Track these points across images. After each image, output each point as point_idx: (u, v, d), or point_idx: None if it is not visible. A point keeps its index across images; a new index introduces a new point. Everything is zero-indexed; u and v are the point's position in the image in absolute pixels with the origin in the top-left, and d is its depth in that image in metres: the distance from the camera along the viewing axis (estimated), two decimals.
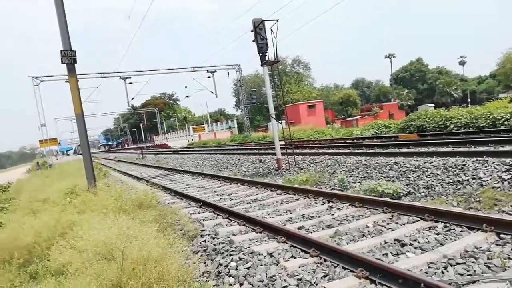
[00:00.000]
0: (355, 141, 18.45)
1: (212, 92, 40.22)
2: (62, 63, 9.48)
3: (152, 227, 4.92)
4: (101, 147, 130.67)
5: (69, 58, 9.48)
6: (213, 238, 5.70)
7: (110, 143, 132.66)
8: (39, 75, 33.36)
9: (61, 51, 9.41)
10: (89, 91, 44.26)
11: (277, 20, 11.98)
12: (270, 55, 13.17)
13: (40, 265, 4.77)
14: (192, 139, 58.70)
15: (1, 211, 10.02)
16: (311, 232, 5.57)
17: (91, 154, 10.41)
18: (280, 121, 14.31)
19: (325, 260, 4.34)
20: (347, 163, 10.71)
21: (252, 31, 12.75)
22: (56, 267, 4.27)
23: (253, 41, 12.81)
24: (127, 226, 4.55)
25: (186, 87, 77.51)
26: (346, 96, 63.43)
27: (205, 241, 5.65)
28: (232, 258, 4.69)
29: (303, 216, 6.57)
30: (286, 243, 5.11)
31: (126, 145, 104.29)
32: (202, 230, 6.17)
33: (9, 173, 52.00)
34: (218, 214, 7.51)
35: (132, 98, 39.03)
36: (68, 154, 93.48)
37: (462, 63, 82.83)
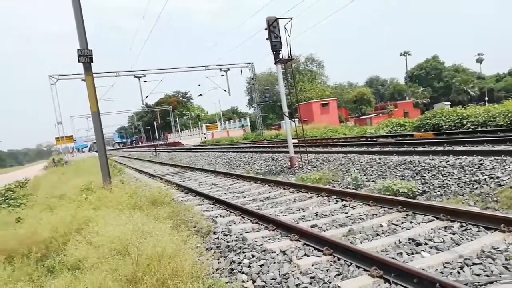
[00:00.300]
0: (369, 139, 18.31)
1: (225, 91, 40.51)
2: (78, 61, 9.66)
3: (166, 224, 4.99)
4: (115, 144, 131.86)
5: (85, 57, 9.66)
6: (226, 236, 5.71)
7: (124, 140, 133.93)
8: (55, 74, 34.01)
9: (78, 50, 9.59)
10: (104, 89, 44.92)
11: (291, 18, 11.93)
12: (284, 53, 13.12)
13: (57, 259, 4.89)
14: (205, 137, 58.91)
15: (19, 206, 10.28)
16: (324, 231, 5.55)
17: (106, 151, 10.55)
18: (293, 119, 14.27)
19: (339, 259, 4.32)
20: (361, 162, 10.61)
21: (266, 29, 12.73)
22: (73, 262, 4.36)
23: (267, 39, 12.80)
24: (142, 222, 4.61)
25: (199, 85, 77.75)
26: (360, 94, 62.94)
27: (218, 238, 5.67)
28: (245, 256, 4.69)
29: (316, 215, 6.55)
30: (299, 241, 5.10)
31: (140, 143, 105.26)
32: (215, 227, 6.18)
33: (27, 169, 52.98)
34: (231, 212, 7.53)
35: (146, 97, 39.67)
36: (83, 152, 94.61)
37: (479, 61, 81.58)
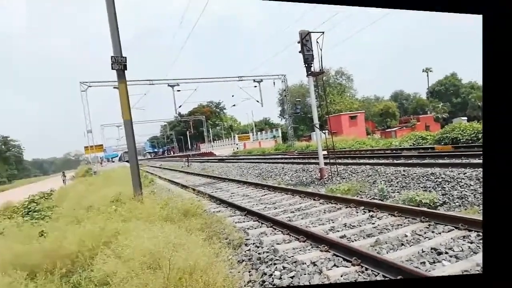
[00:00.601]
0: (394, 152, 18.87)
1: (258, 101, 40.46)
2: (112, 69, 9.45)
3: (199, 236, 5.00)
4: (147, 154, 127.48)
5: (119, 64, 9.47)
6: (258, 247, 5.80)
7: (156, 150, 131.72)
8: (87, 81, 32.45)
9: (111, 57, 9.41)
10: (137, 98, 44.09)
11: (323, 33, 12.13)
12: (315, 66, 13.28)
13: (83, 275, 4.67)
14: (237, 148, 59.03)
15: (43, 219, 9.87)
16: (353, 241, 5.66)
17: (138, 161, 10.38)
18: (323, 131, 14.35)
19: (366, 269, 4.44)
20: (387, 173, 10.95)
21: (298, 43, 12.96)
22: (100, 277, 4.15)
23: (299, 52, 13.01)
24: (174, 235, 4.63)
25: (233, 96, 78.73)
26: (386, 108, 63.78)
27: (249, 250, 5.76)
28: (276, 267, 4.77)
29: (345, 225, 6.66)
30: (329, 252, 5.20)
31: (172, 153, 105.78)
32: (247, 239, 6.27)
33: (53, 179, 50.67)
34: (262, 223, 7.63)
35: (180, 106, 39.33)
36: (113, 161, 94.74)
37: None
